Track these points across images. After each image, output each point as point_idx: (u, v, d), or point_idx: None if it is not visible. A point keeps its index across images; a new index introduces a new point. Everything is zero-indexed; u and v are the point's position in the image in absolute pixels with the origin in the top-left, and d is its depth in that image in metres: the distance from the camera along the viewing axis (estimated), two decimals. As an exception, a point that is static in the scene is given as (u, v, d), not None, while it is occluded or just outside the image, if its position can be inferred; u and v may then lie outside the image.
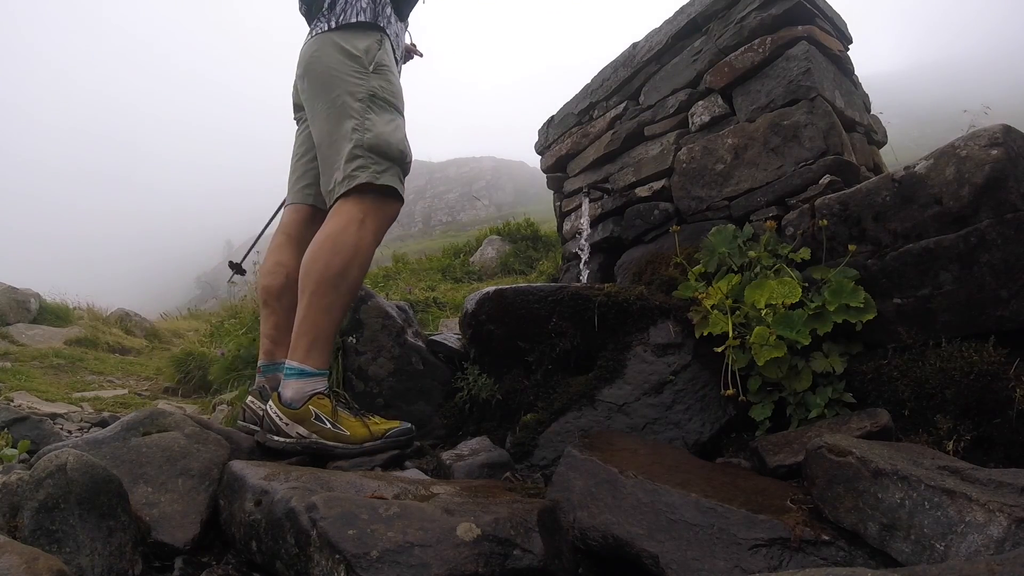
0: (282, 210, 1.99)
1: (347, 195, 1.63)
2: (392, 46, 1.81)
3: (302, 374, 1.55)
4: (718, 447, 1.59)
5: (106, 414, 3.19)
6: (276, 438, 1.52)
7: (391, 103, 1.73)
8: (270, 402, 1.56)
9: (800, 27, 1.96)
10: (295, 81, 1.88)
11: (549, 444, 1.67)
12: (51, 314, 7.18)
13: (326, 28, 1.73)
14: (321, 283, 1.56)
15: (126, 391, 4.32)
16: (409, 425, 1.68)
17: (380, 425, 1.62)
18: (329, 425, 1.54)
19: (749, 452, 1.43)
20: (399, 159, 1.68)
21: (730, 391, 1.50)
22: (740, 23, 2.08)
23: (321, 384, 1.57)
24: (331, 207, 1.67)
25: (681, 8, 2.36)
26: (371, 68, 1.70)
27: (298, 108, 1.96)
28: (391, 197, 1.68)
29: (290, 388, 1.55)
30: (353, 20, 1.72)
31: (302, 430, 1.52)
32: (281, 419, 1.52)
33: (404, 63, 2.20)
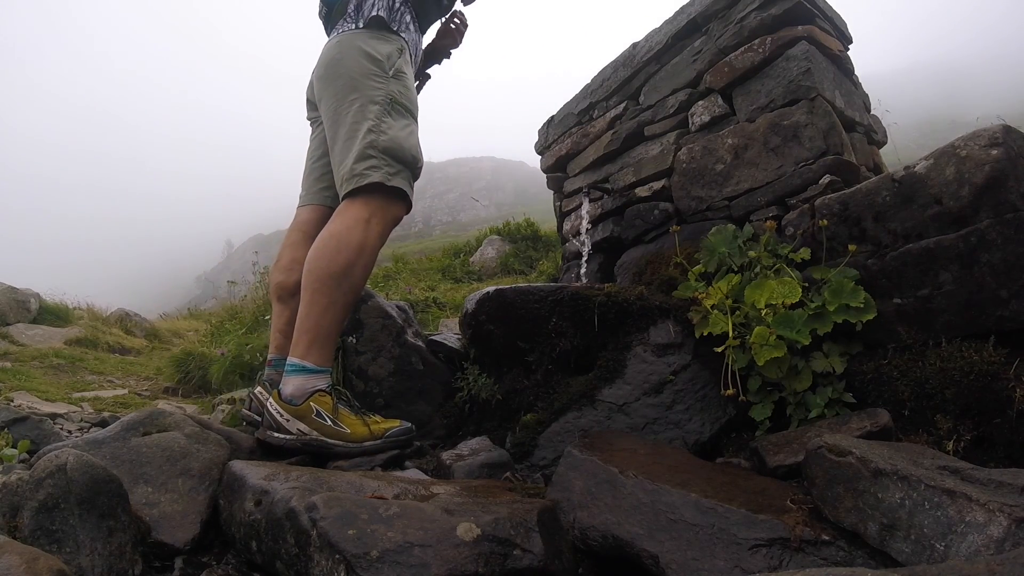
0: (296, 209, 2.00)
1: (355, 195, 1.65)
2: (410, 55, 1.85)
3: (303, 371, 1.55)
4: (718, 447, 1.59)
5: (106, 414, 3.18)
6: (276, 435, 1.52)
7: (408, 109, 1.76)
8: (270, 399, 1.56)
9: (800, 27, 1.96)
10: (311, 79, 1.90)
11: (549, 444, 1.67)
12: (51, 314, 7.17)
13: (352, 28, 1.76)
14: (324, 281, 1.56)
15: (126, 391, 4.32)
16: (409, 425, 1.68)
17: (380, 424, 1.62)
18: (330, 422, 1.54)
19: (749, 452, 1.43)
20: (411, 164, 1.72)
21: (730, 391, 1.50)
22: (740, 23, 2.08)
23: (323, 381, 1.57)
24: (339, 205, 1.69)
25: (681, 8, 2.36)
26: (391, 73, 1.74)
27: (313, 106, 1.98)
28: (398, 199, 1.70)
29: (291, 384, 1.55)
30: (373, 14, 1.76)
31: (303, 426, 1.52)
32: (282, 415, 1.53)
33: (440, 61, 2.23)
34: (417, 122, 1.81)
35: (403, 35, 1.82)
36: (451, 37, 2.18)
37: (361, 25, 1.76)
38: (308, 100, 2.00)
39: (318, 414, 1.54)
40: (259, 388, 1.80)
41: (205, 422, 1.55)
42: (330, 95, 1.76)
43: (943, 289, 1.36)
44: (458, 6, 2.16)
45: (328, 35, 1.89)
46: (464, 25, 2.20)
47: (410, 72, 1.83)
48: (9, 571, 0.72)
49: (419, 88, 2.20)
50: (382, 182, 1.63)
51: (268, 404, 1.56)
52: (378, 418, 1.66)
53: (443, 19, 2.15)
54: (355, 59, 1.72)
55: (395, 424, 1.65)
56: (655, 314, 1.76)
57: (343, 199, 1.68)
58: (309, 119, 2.05)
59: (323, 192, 1.94)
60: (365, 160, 1.64)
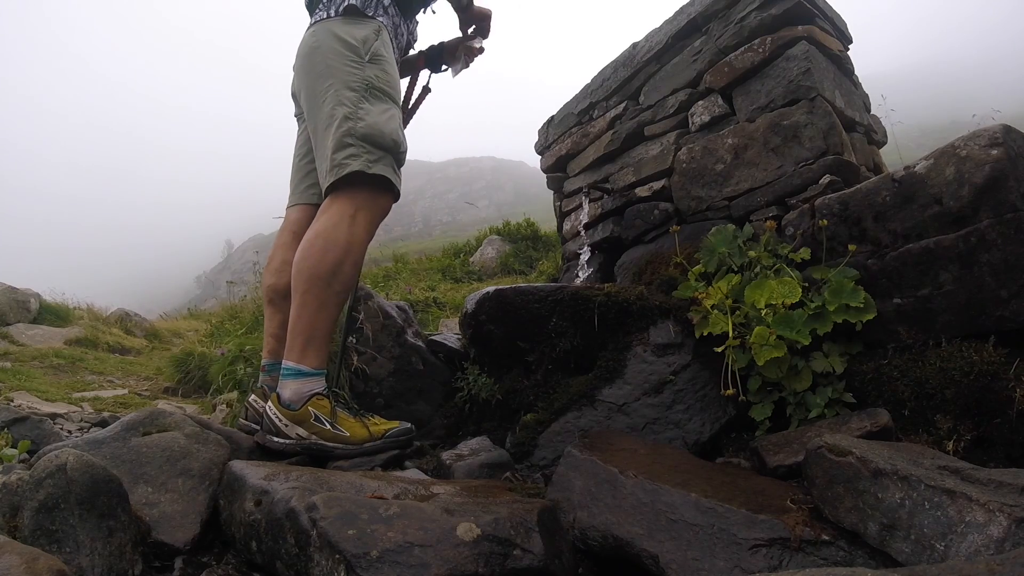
0: (286, 210, 1.97)
1: (338, 190, 1.62)
2: (390, 37, 1.80)
3: (299, 374, 1.55)
4: (718, 447, 1.59)
5: (106, 414, 3.18)
6: (276, 439, 1.52)
7: (387, 93, 1.71)
8: (269, 403, 1.55)
9: (800, 27, 1.96)
10: (293, 73, 1.87)
11: (549, 444, 1.67)
12: (51, 314, 7.17)
13: (325, 16, 1.73)
14: (313, 281, 1.54)
15: (126, 391, 4.32)
16: (409, 425, 1.68)
17: (380, 425, 1.62)
18: (328, 426, 1.54)
19: (749, 452, 1.43)
20: (392, 149, 1.67)
21: (730, 391, 1.50)
22: (740, 23, 2.08)
23: (319, 384, 1.57)
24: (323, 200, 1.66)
25: (681, 8, 2.36)
26: (367, 58, 1.69)
27: (297, 101, 1.94)
28: (383, 190, 1.67)
29: (288, 389, 1.54)
30: (346, 3, 1.71)
31: (301, 431, 1.52)
32: (280, 420, 1.52)
33: (467, 66, 2.14)
34: (398, 106, 1.77)
35: (379, 18, 1.77)
36: (459, 59, 2.11)
37: (333, 13, 1.72)
38: (293, 95, 1.96)
39: (316, 418, 1.53)
40: (253, 396, 1.79)
41: (205, 422, 1.55)
42: (307, 86, 1.72)
43: (943, 289, 1.36)
44: (478, 43, 2.10)
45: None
46: (480, 51, 2.13)
47: (389, 55, 1.77)
48: (9, 571, 0.72)
49: (418, 104, 2.13)
50: (362, 170, 1.59)
51: (267, 408, 1.55)
52: (377, 419, 1.66)
53: (464, 35, 2.08)
54: (329, 46, 1.68)
55: (394, 425, 1.65)
56: (655, 314, 1.76)
57: (326, 193, 1.64)
58: (296, 116, 2.00)
59: (310, 190, 1.90)
60: (343, 149, 1.60)
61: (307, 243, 1.58)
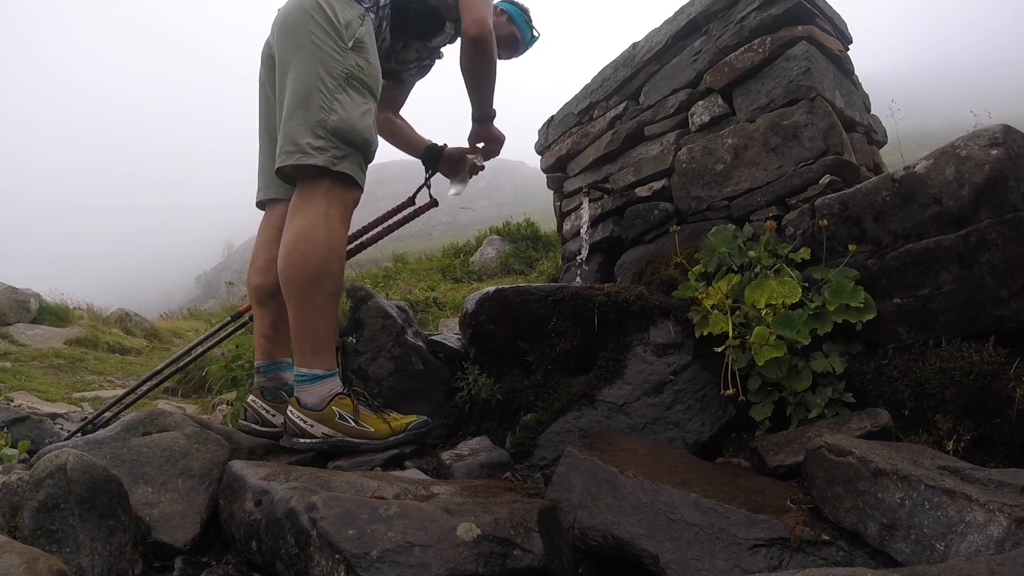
0: (263, 208, 1.90)
1: (306, 184, 1.58)
2: (373, 28, 1.73)
3: (315, 379, 1.56)
4: (718, 447, 1.59)
5: (106, 414, 3.18)
6: (302, 440, 1.54)
7: (367, 86, 1.65)
8: (290, 408, 1.57)
9: (800, 27, 1.96)
10: (269, 39, 1.79)
11: (549, 444, 1.67)
12: (51, 314, 7.17)
13: None
14: (304, 286, 1.52)
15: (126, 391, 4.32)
16: (426, 418, 1.72)
17: (399, 420, 1.66)
18: (353, 423, 1.56)
19: (749, 452, 1.43)
20: (363, 147, 1.62)
21: (730, 391, 1.50)
22: (740, 23, 2.08)
23: (337, 384, 1.59)
24: (293, 196, 1.62)
25: (681, 8, 2.36)
26: (350, 43, 1.62)
27: (268, 68, 1.83)
28: (352, 185, 1.63)
29: (307, 393, 1.56)
30: None
31: (327, 430, 1.54)
32: (305, 422, 1.54)
33: (465, 185, 2.16)
34: (376, 100, 1.70)
35: (364, 4, 1.71)
36: (463, 175, 2.12)
37: None
38: (264, 61, 1.85)
39: (340, 416, 1.55)
40: (252, 397, 1.79)
41: (205, 422, 1.56)
42: (285, 57, 1.64)
43: (943, 289, 1.36)
44: (480, 161, 2.14)
45: None
46: (481, 169, 2.17)
47: (372, 45, 1.70)
48: (9, 571, 0.72)
49: (421, 211, 2.19)
50: (326, 167, 1.54)
51: (289, 413, 1.56)
52: (396, 415, 1.69)
53: (471, 148, 2.08)
54: (312, 21, 1.59)
55: (412, 418, 1.69)
56: (655, 314, 1.76)
57: (285, 178, 1.61)
58: (264, 84, 1.87)
59: (287, 184, 1.80)
60: (313, 138, 1.53)
61: (288, 246, 1.55)
